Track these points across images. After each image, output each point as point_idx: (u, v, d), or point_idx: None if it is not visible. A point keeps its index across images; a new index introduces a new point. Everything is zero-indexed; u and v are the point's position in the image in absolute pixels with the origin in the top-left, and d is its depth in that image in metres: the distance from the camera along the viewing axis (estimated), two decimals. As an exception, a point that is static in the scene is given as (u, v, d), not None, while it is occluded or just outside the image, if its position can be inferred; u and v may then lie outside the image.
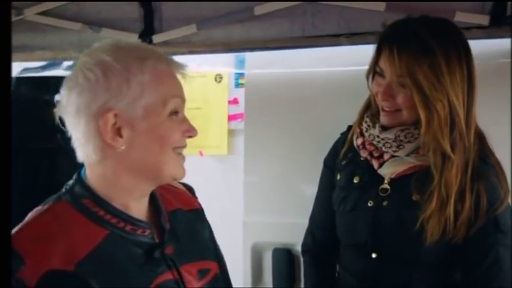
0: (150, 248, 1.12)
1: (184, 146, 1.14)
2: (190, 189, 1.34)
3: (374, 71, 1.45)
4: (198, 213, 1.30)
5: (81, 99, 1.06)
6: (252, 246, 2.07)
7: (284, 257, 2.01)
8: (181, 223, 1.22)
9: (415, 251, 1.43)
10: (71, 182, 1.13)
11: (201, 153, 2.40)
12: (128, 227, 1.10)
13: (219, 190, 2.37)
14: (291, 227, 1.93)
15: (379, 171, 1.48)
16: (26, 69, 2.40)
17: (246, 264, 2.08)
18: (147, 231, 1.12)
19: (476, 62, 1.42)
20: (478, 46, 1.46)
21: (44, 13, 2.02)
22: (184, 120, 1.14)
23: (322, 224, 1.65)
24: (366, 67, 1.49)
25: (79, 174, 1.13)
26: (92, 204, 1.09)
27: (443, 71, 1.34)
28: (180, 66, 1.14)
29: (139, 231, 1.11)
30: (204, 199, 2.40)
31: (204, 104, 2.38)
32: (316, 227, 1.67)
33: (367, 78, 1.48)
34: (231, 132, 2.32)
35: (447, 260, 1.45)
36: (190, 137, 1.14)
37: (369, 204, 1.48)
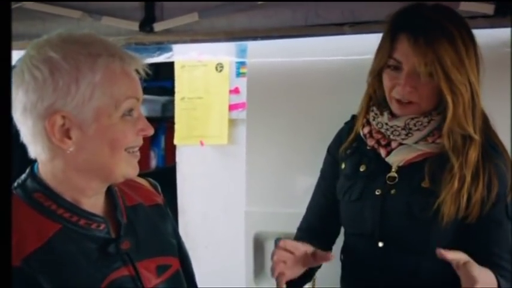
0: (104, 243, 1.09)
1: (138, 145, 1.10)
2: (154, 186, 1.30)
3: (386, 64, 1.42)
4: (160, 209, 1.27)
5: (27, 98, 1.02)
6: (254, 236, 2.06)
7: (286, 248, 2.00)
8: (141, 218, 1.19)
9: (423, 239, 1.43)
10: (23, 176, 1.10)
11: (201, 143, 2.39)
12: (82, 222, 1.07)
13: (220, 180, 2.37)
14: (293, 217, 1.91)
15: (386, 159, 1.48)
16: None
17: (248, 254, 2.07)
18: (102, 226, 1.10)
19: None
20: (480, 35, 1.46)
21: (43, 1, 2.00)
22: (139, 118, 1.09)
23: (320, 211, 1.63)
24: (370, 56, 1.48)
25: (32, 168, 1.10)
26: (44, 198, 1.06)
27: (463, 54, 1.37)
28: (135, 62, 1.08)
29: (93, 226, 1.09)
30: (205, 189, 2.42)
31: (205, 94, 2.37)
32: (313, 213, 1.65)
33: (372, 74, 1.47)
34: (232, 122, 2.31)
35: (455, 248, 1.44)
36: (145, 135, 1.10)
37: (376, 193, 1.47)
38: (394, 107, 1.44)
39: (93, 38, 1.08)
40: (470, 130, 1.39)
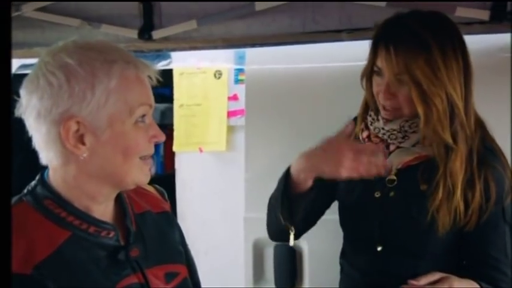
0: (114, 250, 1.09)
1: (150, 153, 1.10)
2: (161, 193, 1.32)
3: (372, 70, 1.44)
4: (168, 216, 1.27)
5: (42, 104, 1.02)
6: (254, 242, 2.06)
7: (285, 254, 2.01)
8: (149, 225, 1.19)
9: (422, 242, 1.43)
10: (33, 182, 1.10)
11: (200, 150, 2.40)
12: (91, 229, 1.07)
13: (219, 186, 2.38)
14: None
15: None
16: (23, 66, 2.39)
17: (247, 261, 2.07)
18: (112, 233, 1.09)
19: (476, 57, 1.41)
20: (478, 41, 1.46)
21: (42, 9, 2.01)
22: (151, 125, 1.09)
23: None
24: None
25: (42, 175, 1.10)
26: (54, 205, 1.06)
27: (439, 65, 1.35)
28: (149, 69, 1.09)
29: (103, 233, 1.08)
30: (204, 195, 2.42)
31: (203, 101, 2.39)
32: None
33: (362, 78, 1.48)
34: (231, 129, 2.33)
35: (454, 251, 1.46)
36: (157, 142, 1.10)
37: (375, 195, 1.47)
38: (381, 112, 1.46)
39: (108, 45, 1.09)
40: (447, 138, 1.37)
